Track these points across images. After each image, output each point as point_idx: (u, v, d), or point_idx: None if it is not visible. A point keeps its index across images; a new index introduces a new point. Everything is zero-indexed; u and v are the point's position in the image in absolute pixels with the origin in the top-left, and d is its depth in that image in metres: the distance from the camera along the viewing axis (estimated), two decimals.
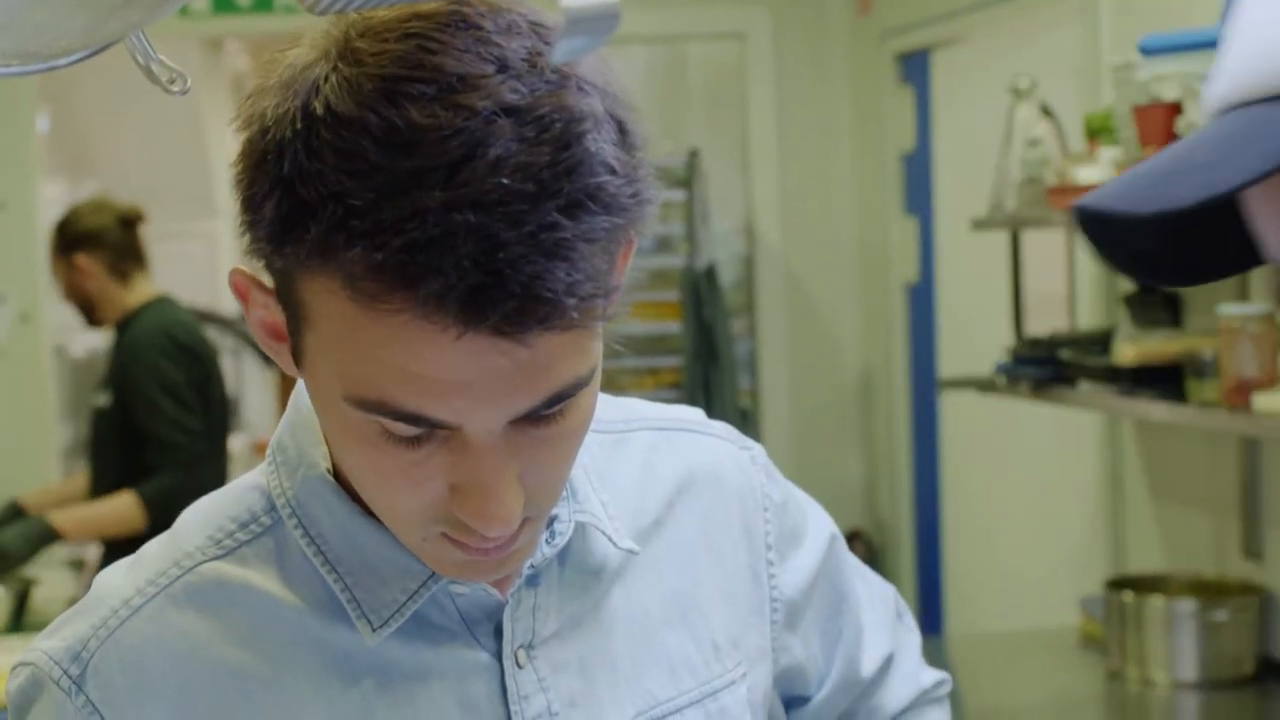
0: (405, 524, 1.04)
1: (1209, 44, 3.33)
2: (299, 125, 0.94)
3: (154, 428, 4.31)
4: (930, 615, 5.73)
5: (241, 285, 1.06)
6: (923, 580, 5.78)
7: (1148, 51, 3.45)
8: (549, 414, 0.99)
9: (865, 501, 6.10)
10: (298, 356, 1.03)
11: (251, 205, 0.97)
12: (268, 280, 1.03)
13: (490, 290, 0.91)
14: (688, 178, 5.95)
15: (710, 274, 5.86)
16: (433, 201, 0.90)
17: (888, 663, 1.38)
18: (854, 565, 1.38)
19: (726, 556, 1.26)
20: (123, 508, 4.27)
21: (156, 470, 4.29)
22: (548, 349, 0.95)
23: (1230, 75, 0.86)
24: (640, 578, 1.21)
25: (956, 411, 5.46)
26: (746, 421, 5.97)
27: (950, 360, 5.46)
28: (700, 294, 5.83)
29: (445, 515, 1.02)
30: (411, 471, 1.00)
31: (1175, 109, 3.37)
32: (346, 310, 0.95)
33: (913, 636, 1.42)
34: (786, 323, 6.12)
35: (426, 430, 0.98)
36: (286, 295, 1.01)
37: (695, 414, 1.33)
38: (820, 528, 1.35)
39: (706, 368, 5.80)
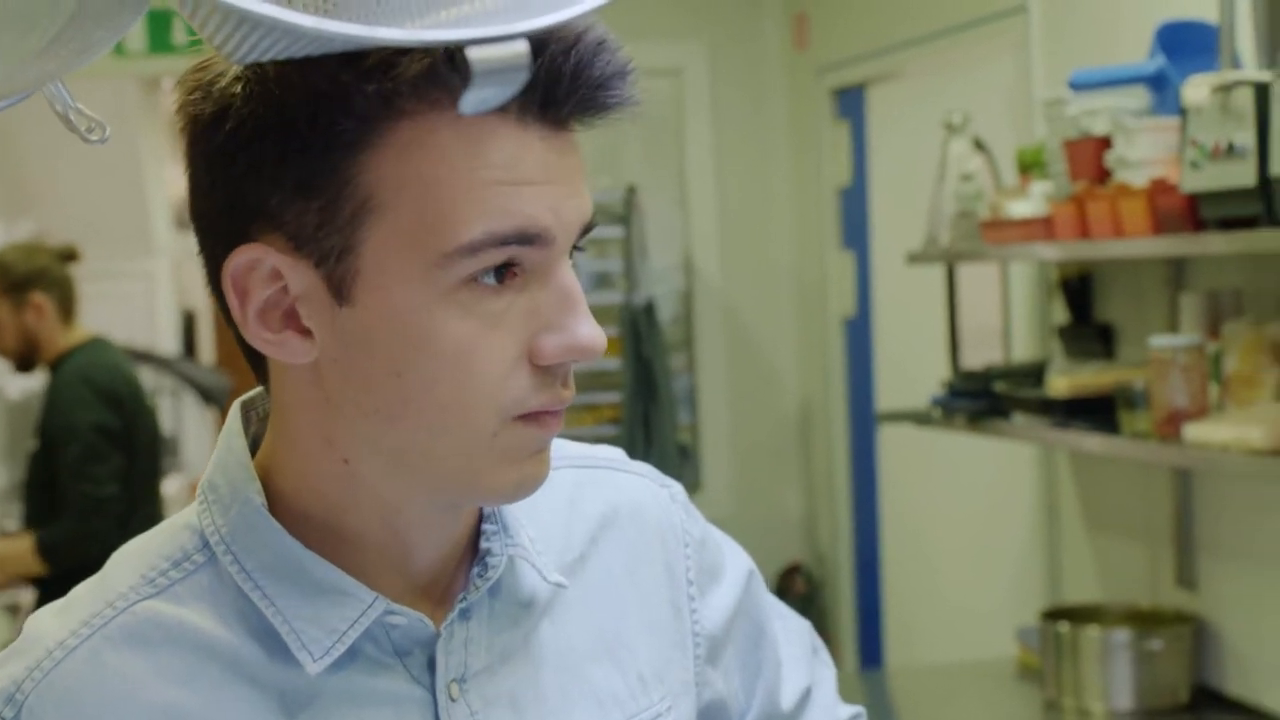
0: (483, 412, 1.06)
1: (1137, 79, 3.38)
2: None
3: (57, 473, 4.31)
4: (870, 648, 5.75)
5: (242, 270, 1.06)
6: (862, 613, 5.80)
7: (1077, 86, 3.49)
8: (578, 248, 1.09)
9: (805, 535, 6.12)
10: (346, 291, 1.05)
11: (318, 95, 1.02)
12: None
13: (562, 84, 1.03)
14: (625, 214, 5.97)
15: (649, 310, 5.88)
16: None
17: (806, 696, 1.39)
18: (771, 601, 1.40)
19: (650, 592, 1.28)
20: (20, 549, 4.27)
21: (58, 515, 4.29)
22: (579, 160, 1.08)
23: None
24: (567, 612, 1.22)
25: (895, 444, 5.49)
26: (686, 456, 5.99)
27: (888, 393, 5.49)
28: (639, 330, 5.84)
29: (526, 383, 1.06)
30: (496, 328, 1.05)
31: (1105, 143, 3.42)
32: (442, 143, 1.02)
33: (829, 671, 1.44)
34: (725, 357, 6.15)
35: (516, 263, 1.05)
36: (338, 206, 1.03)
37: (616, 453, 1.35)
38: (738, 564, 1.37)
39: (645, 404, 5.81)
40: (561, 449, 1.29)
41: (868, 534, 5.75)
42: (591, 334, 1.07)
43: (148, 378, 5.43)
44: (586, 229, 1.09)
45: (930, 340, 4.87)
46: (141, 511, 4.38)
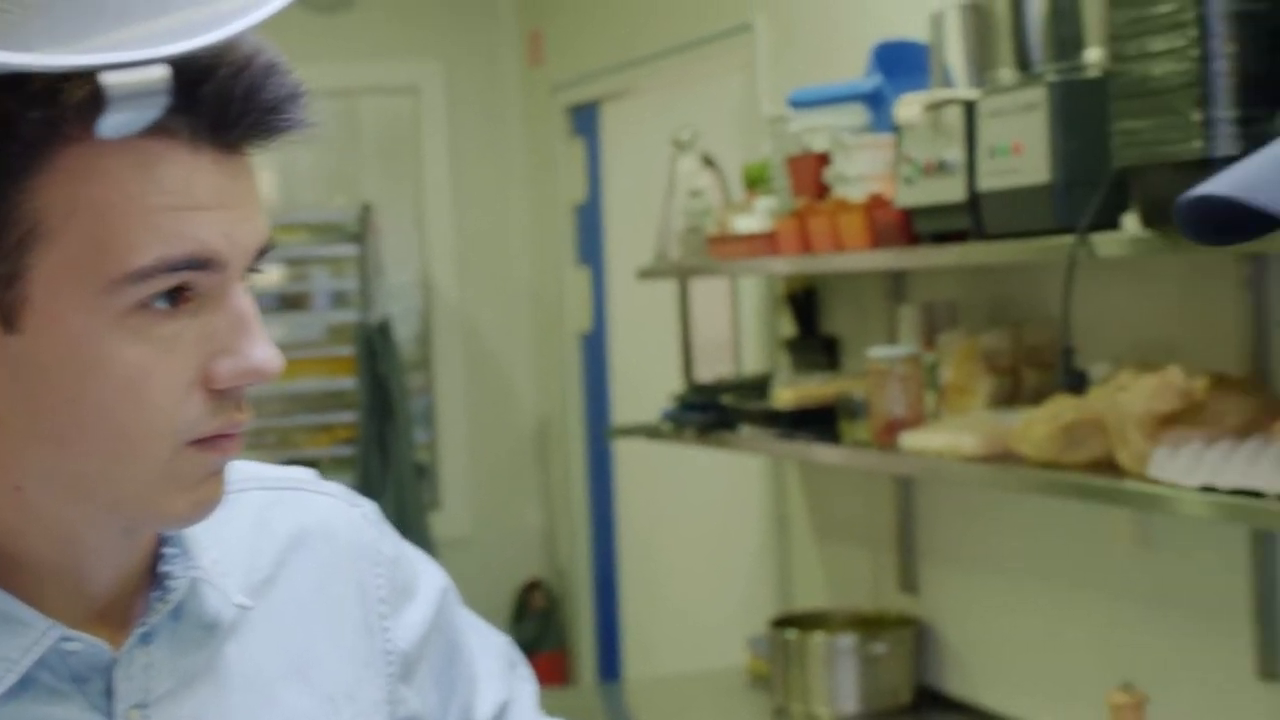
0: (158, 438, 1.06)
1: (854, 97, 3.46)
2: None
3: None
4: (609, 661, 5.79)
5: None
6: (601, 626, 5.83)
7: (797, 104, 3.57)
8: (251, 272, 1.09)
9: (544, 550, 6.14)
10: (14, 319, 1.03)
11: None
12: None
13: (233, 108, 1.04)
14: (360, 232, 5.94)
15: (384, 328, 5.85)
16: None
17: (502, 710, 1.40)
18: (467, 618, 1.41)
19: (340, 611, 1.28)
20: None
21: None
22: (254, 183, 1.08)
23: None
24: (254, 634, 1.22)
25: (631, 458, 5.53)
26: (423, 475, 5.97)
27: (624, 408, 5.54)
28: (374, 348, 5.80)
29: (200, 407, 1.06)
30: (170, 353, 1.05)
31: (824, 159, 3.49)
32: (111, 168, 1.01)
33: (528, 686, 1.45)
34: (463, 375, 6.14)
35: (189, 287, 1.04)
36: (4, 232, 1.02)
37: (307, 473, 1.35)
38: (433, 582, 1.37)
39: (382, 423, 5.77)
40: (250, 471, 1.29)
41: (606, 548, 5.79)
42: (266, 356, 1.07)
43: None
44: (262, 252, 1.10)
45: (664, 354, 4.93)
46: None
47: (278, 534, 1.27)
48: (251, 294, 1.09)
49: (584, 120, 5.78)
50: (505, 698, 1.41)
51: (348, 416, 5.94)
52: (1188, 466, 2.53)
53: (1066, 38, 2.79)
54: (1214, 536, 2.94)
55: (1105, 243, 2.61)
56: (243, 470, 1.28)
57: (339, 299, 6.15)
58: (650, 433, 4.30)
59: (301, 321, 6.21)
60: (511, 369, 6.18)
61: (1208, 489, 2.48)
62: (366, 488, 5.68)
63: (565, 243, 5.85)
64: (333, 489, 1.35)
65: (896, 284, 3.75)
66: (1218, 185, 0.81)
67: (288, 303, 6.23)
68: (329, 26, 5.97)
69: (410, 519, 5.61)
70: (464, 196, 6.14)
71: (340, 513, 1.33)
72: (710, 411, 3.97)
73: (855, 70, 3.70)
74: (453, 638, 1.37)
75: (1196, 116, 2.35)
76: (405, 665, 1.32)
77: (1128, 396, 2.68)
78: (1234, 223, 0.81)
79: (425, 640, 1.34)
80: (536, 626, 5.96)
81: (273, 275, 6.15)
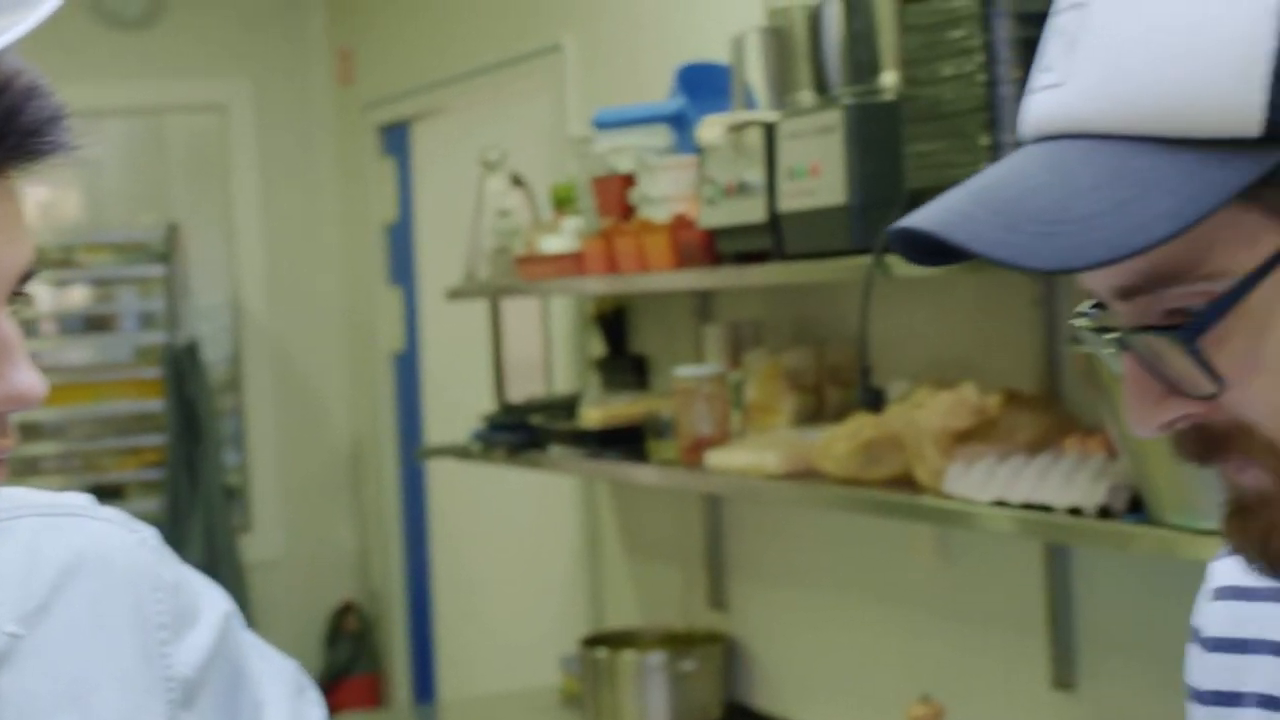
0: None
1: (658, 118, 3.49)
2: None
3: None
4: (423, 682, 5.77)
5: None
6: (415, 647, 5.80)
7: (602, 125, 3.59)
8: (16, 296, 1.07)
9: (358, 572, 6.09)
10: None
11: None
12: None
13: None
14: (167, 252, 5.86)
15: (192, 349, 5.77)
16: None
17: None
18: (252, 643, 1.40)
19: (119, 638, 1.27)
20: None
21: None
22: (18, 206, 1.05)
23: (1090, 98, 0.85)
24: (27, 662, 1.20)
25: (445, 479, 5.52)
26: (234, 498, 5.90)
27: (437, 428, 5.52)
28: (182, 370, 5.73)
29: None
30: None
31: (629, 180, 3.52)
32: None
33: (316, 710, 1.44)
34: (274, 396, 6.08)
35: None
36: None
37: (84, 499, 1.33)
38: (215, 608, 1.36)
39: (190, 446, 5.69)
40: (24, 498, 1.27)
41: (419, 569, 5.76)
42: (29, 382, 1.06)
43: None
44: (26, 276, 1.08)
45: (477, 374, 4.92)
46: None
47: (52, 561, 1.25)
48: (16, 319, 1.08)
49: (394, 139, 5.77)
50: None
51: (155, 439, 5.86)
52: (981, 482, 2.59)
53: (863, 62, 2.84)
54: (1009, 550, 3.00)
55: (901, 263, 2.66)
56: (15, 497, 1.26)
57: (146, 320, 6.06)
58: (460, 453, 4.29)
59: (108, 343, 6.11)
60: (323, 390, 6.14)
61: (1000, 504, 2.54)
62: (175, 511, 5.61)
63: (376, 262, 5.82)
64: (110, 514, 1.33)
65: (703, 303, 3.79)
66: (921, 219, 0.84)
67: (93, 324, 6.13)
68: (133, 43, 5.89)
69: (220, 542, 5.55)
70: (274, 216, 6.08)
71: (117, 539, 1.31)
72: (519, 431, 3.98)
73: (663, 92, 3.73)
74: (237, 664, 1.36)
75: (984, 140, 2.40)
76: (186, 692, 1.30)
77: (924, 414, 2.73)
78: (942, 248, 0.84)
79: (207, 666, 1.33)
80: (350, 649, 5.91)
81: (78, 296, 6.05)
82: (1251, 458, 0.86)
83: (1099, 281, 0.86)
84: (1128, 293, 0.85)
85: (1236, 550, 0.89)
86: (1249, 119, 0.80)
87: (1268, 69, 0.80)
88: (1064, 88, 0.85)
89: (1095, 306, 0.92)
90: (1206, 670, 1.05)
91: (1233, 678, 1.02)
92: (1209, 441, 0.87)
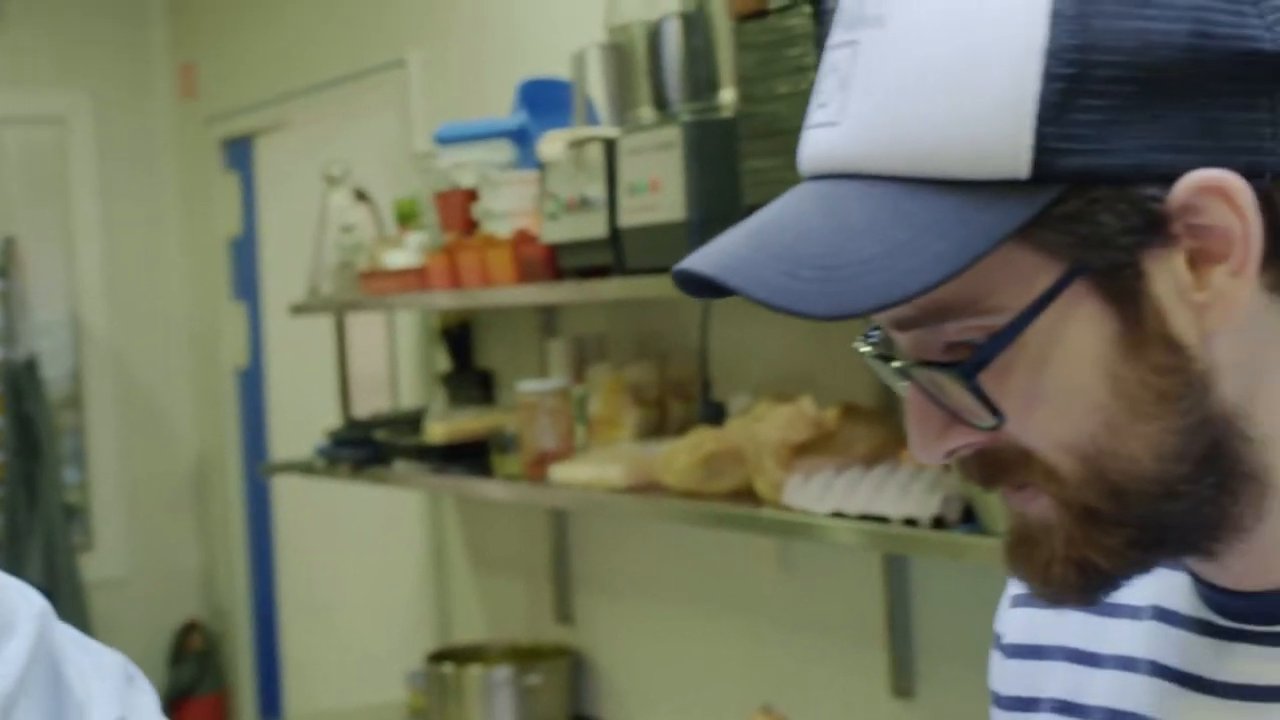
0: None
1: (500, 133, 3.50)
2: None
3: None
4: (269, 700, 5.72)
5: None
6: (262, 665, 5.75)
7: (443, 140, 3.59)
8: None
9: (203, 590, 6.03)
10: None
11: None
12: None
13: None
14: (4, 266, 5.76)
15: (31, 366, 5.68)
16: None
17: None
18: (74, 638, 1.39)
19: None
20: None
21: None
22: None
23: (864, 138, 0.85)
24: None
25: (291, 495, 5.48)
26: (74, 516, 5.81)
27: (283, 443, 5.48)
28: (20, 387, 5.63)
29: None
30: None
31: (472, 195, 3.52)
32: None
33: (147, 697, 1.43)
34: (116, 412, 5.99)
35: None
36: None
37: None
38: (29, 612, 1.35)
39: (28, 463, 5.60)
40: None
41: (265, 586, 5.72)
42: None
43: None
44: None
45: (323, 389, 4.89)
46: None
47: None
48: None
49: (238, 153, 5.72)
50: (120, 713, 1.39)
51: None
52: (819, 494, 2.62)
53: (702, 79, 2.87)
54: (849, 561, 3.05)
55: None
56: None
57: None
58: (304, 469, 4.26)
59: None
60: (167, 406, 6.06)
61: (838, 515, 2.58)
62: (13, 530, 5.51)
63: (220, 277, 5.77)
64: None
65: (548, 318, 3.80)
66: (702, 262, 0.85)
67: None
68: None
69: (59, 561, 5.46)
70: (115, 230, 6.00)
71: None
72: (364, 447, 3.96)
73: (506, 107, 3.74)
74: (55, 665, 1.35)
75: None
76: (5, 705, 1.29)
77: (763, 427, 2.76)
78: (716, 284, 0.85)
79: (24, 675, 1.31)
80: (194, 668, 5.84)
81: None
82: (1031, 485, 0.87)
83: (880, 313, 0.87)
84: (906, 325, 0.87)
85: (1019, 578, 0.91)
86: (1018, 161, 0.81)
87: (1034, 110, 0.81)
88: (838, 127, 0.85)
89: (877, 329, 0.93)
90: (1006, 676, 1.08)
91: (1030, 683, 1.05)
92: (992, 467, 0.89)
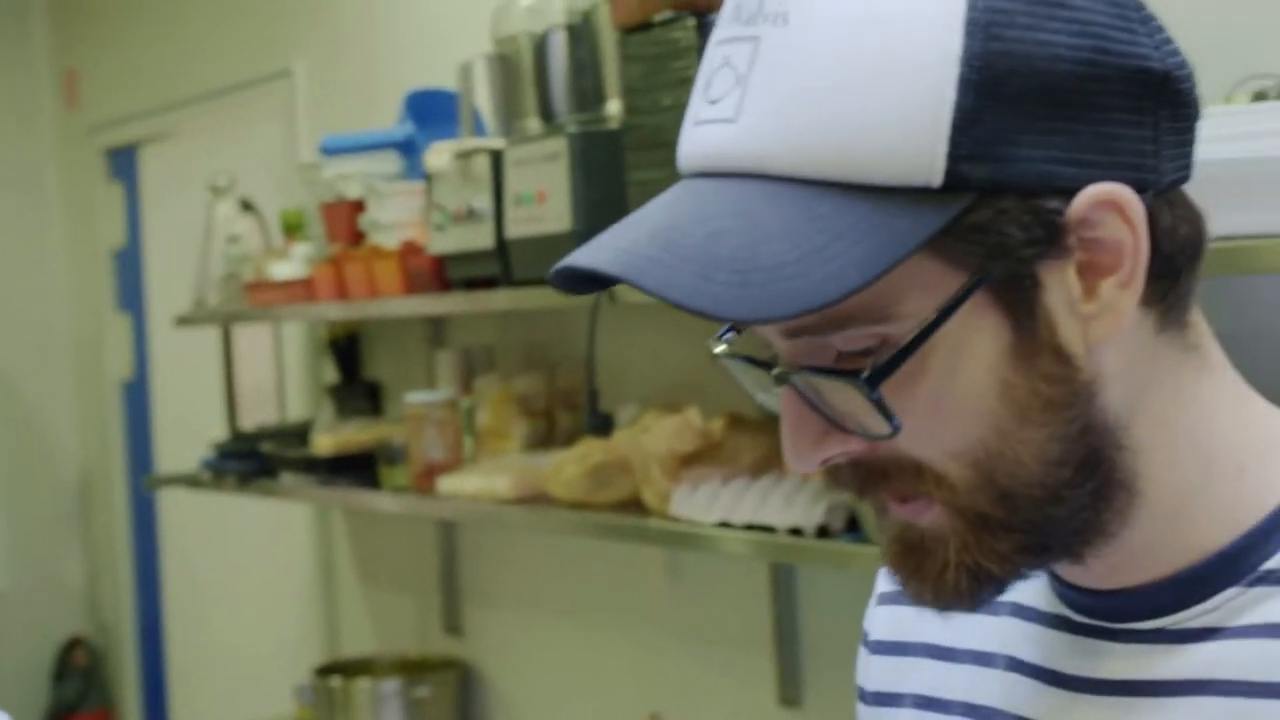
0: None
1: (387, 144, 3.49)
2: None
3: None
4: (155, 715, 5.65)
5: None
6: (147, 680, 5.69)
7: (328, 151, 3.57)
8: None
9: (87, 606, 5.95)
10: None
11: None
12: None
13: None
14: None
15: None
16: None
17: None
18: None
19: None
20: None
21: None
22: None
23: (770, 139, 0.83)
24: None
25: (177, 508, 5.42)
26: None
27: (169, 457, 5.42)
28: None
29: None
30: None
31: (359, 206, 3.51)
32: None
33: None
34: None
35: None
36: None
37: None
38: None
39: None
40: None
41: (151, 601, 5.65)
42: None
43: None
44: None
45: (209, 402, 4.85)
46: None
47: None
48: None
49: (122, 163, 5.66)
50: None
51: None
52: (706, 504, 2.63)
53: (588, 90, 2.87)
54: (736, 571, 3.06)
55: (627, 289, 2.69)
56: None
57: None
58: (191, 482, 4.22)
59: None
60: (50, 419, 5.98)
61: (725, 525, 2.59)
62: None
63: (104, 289, 5.70)
64: None
65: (436, 329, 3.79)
66: (604, 260, 0.82)
67: None
68: None
69: None
70: None
71: None
72: (250, 459, 3.93)
73: (394, 118, 3.72)
74: None
75: None
76: None
77: (650, 437, 2.77)
78: (592, 276, 0.83)
79: None
80: (78, 685, 5.76)
81: None
82: (924, 494, 0.87)
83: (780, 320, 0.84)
84: (799, 332, 0.86)
85: (908, 589, 0.90)
86: (933, 169, 0.81)
87: (950, 118, 0.81)
88: (738, 124, 0.84)
89: (729, 332, 0.92)
90: (871, 672, 1.10)
91: (894, 679, 1.06)
92: (869, 476, 0.89)
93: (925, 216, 0.81)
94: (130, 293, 5.65)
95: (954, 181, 0.82)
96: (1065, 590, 0.95)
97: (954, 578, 0.88)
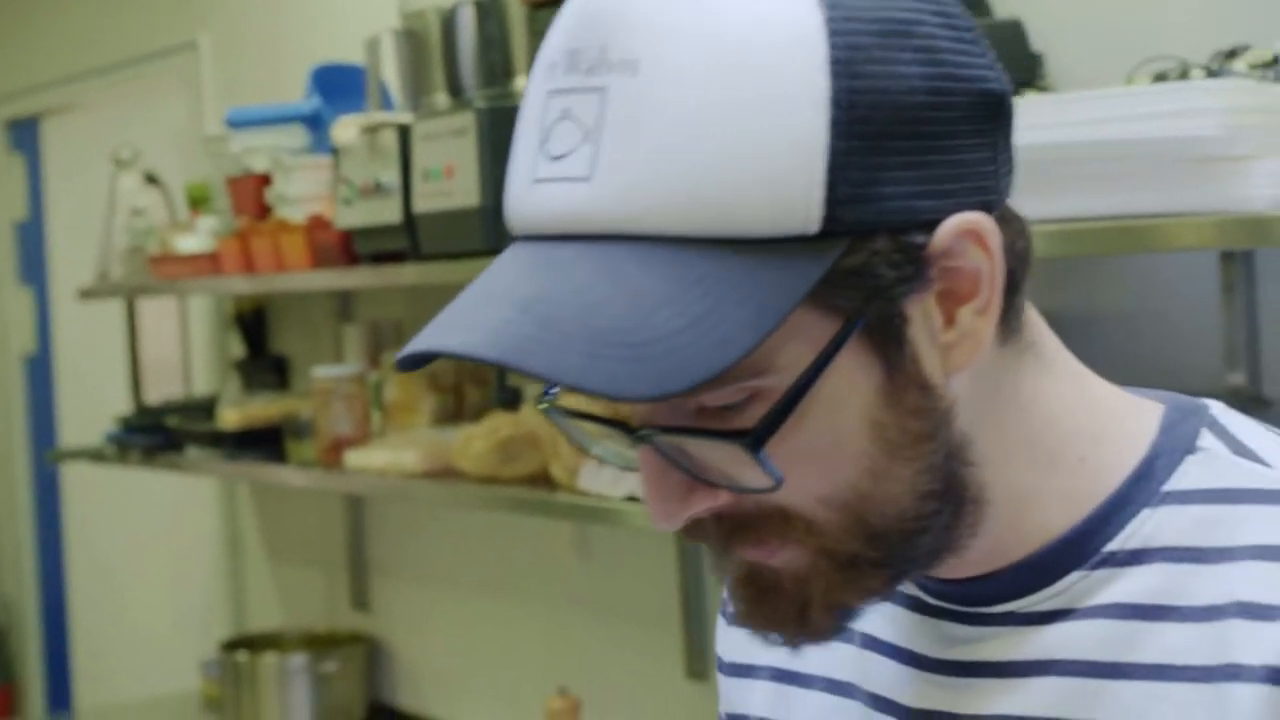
0: None
1: (293, 118, 3.47)
2: None
3: None
4: (59, 690, 5.61)
5: None
6: (51, 656, 5.64)
7: (234, 124, 3.54)
8: None
9: None
10: None
11: None
12: None
13: None
14: None
15: None
16: None
17: None
18: None
19: None
20: None
21: None
22: None
23: (632, 196, 0.78)
24: None
25: (82, 483, 5.37)
26: None
27: (73, 431, 5.37)
28: None
29: None
30: None
31: (265, 180, 3.49)
32: None
33: None
34: None
35: None
36: None
37: None
38: None
39: None
40: None
41: (54, 575, 5.61)
42: None
43: None
44: None
45: (114, 376, 4.81)
46: None
47: None
48: None
49: (23, 135, 5.59)
50: None
51: None
52: (613, 478, 2.64)
53: (496, 65, 2.87)
54: (645, 545, 3.08)
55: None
56: None
57: None
58: (95, 456, 4.19)
59: None
60: None
61: (633, 499, 2.60)
62: None
63: (5, 262, 5.64)
64: None
65: (343, 304, 3.78)
66: (476, 345, 0.77)
67: None
68: None
69: None
70: None
71: None
72: (155, 433, 3.91)
73: (300, 91, 3.70)
74: None
75: None
76: None
77: None
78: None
79: None
80: None
81: None
82: (788, 540, 0.85)
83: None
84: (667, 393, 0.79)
85: (763, 630, 0.88)
86: (808, 217, 0.78)
87: (825, 163, 0.79)
88: (594, 182, 0.79)
89: (556, 388, 0.87)
90: (728, 642, 1.10)
91: (750, 651, 1.06)
92: (735, 528, 0.86)
93: (803, 267, 0.79)
94: (32, 265, 5.59)
95: (829, 227, 0.79)
96: (919, 576, 0.95)
97: (818, 616, 0.87)
